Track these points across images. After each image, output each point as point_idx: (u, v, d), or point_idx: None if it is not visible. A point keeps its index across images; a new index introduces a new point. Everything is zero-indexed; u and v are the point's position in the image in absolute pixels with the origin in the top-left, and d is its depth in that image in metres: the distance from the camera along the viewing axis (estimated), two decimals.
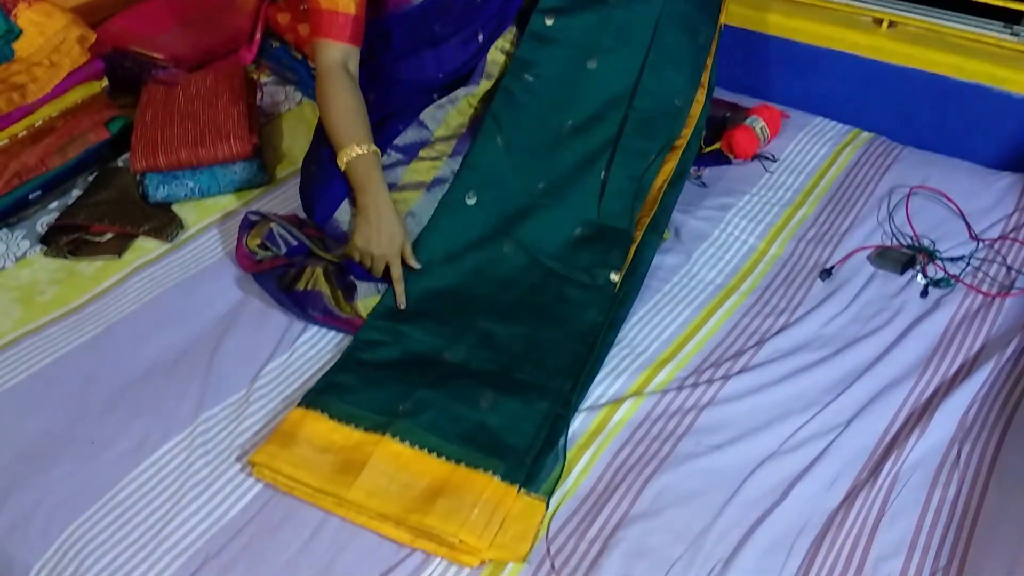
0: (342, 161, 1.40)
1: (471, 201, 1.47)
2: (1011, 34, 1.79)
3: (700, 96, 1.58)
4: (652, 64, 1.52)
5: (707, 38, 1.56)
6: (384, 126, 1.50)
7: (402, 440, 1.20)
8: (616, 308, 1.41)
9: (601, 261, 1.44)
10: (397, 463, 1.18)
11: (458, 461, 1.18)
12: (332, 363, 1.35)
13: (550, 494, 1.16)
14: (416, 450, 1.19)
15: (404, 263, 1.41)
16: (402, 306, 1.39)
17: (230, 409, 1.30)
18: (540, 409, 1.24)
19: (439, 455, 1.19)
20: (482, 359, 1.33)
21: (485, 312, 1.40)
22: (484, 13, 1.49)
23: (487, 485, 1.14)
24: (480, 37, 1.52)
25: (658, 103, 1.54)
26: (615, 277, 1.42)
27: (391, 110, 1.53)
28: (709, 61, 1.58)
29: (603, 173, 1.51)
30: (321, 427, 1.23)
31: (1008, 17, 1.80)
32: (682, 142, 1.56)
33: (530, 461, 1.18)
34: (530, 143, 1.52)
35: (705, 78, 1.58)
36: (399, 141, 1.50)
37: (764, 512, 1.13)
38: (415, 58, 1.51)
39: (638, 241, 1.47)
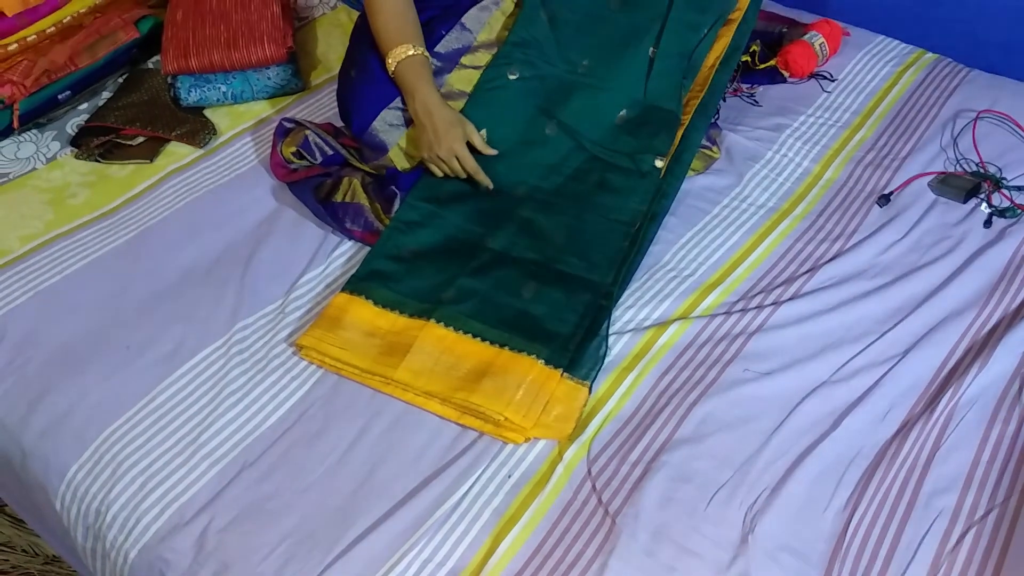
0: (390, 64, 1.36)
1: (513, 77, 1.42)
2: None
3: None
4: None
5: None
6: (427, 29, 1.43)
7: (446, 325, 1.21)
8: (659, 199, 1.37)
9: (646, 146, 1.40)
10: (442, 346, 1.19)
11: (502, 345, 1.19)
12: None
13: (593, 380, 1.16)
14: (460, 335, 1.20)
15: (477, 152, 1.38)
16: (490, 187, 1.37)
17: (266, 319, 1.28)
18: (582, 299, 1.24)
19: (483, 339, 1.20)
20: (523, 247, 1.32)
21: (527, 200, 1.37)
22: None
23: (531, 368, 1.15)
24: None
25: None
26: (660, 163, 1.38)
27: (434, 13, 1.46)
28: None
29: (651, 49, 1.45)
30: (366, 313, 1.24)
31: None
32: (737, 15, 1.48)
33: (573, 347, 1.18)
34: (575, 17, 1.46)
35: None
36: (440, 48, 1.43)
37: (814, 441, 1.10)
38: None
39: (686, 124, 1.42)
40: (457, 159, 1.35)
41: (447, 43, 1.44)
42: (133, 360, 1.21)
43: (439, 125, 1.33)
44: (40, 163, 1.53)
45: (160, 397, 1.17)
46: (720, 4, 1.46)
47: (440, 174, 1.37)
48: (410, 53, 1.35)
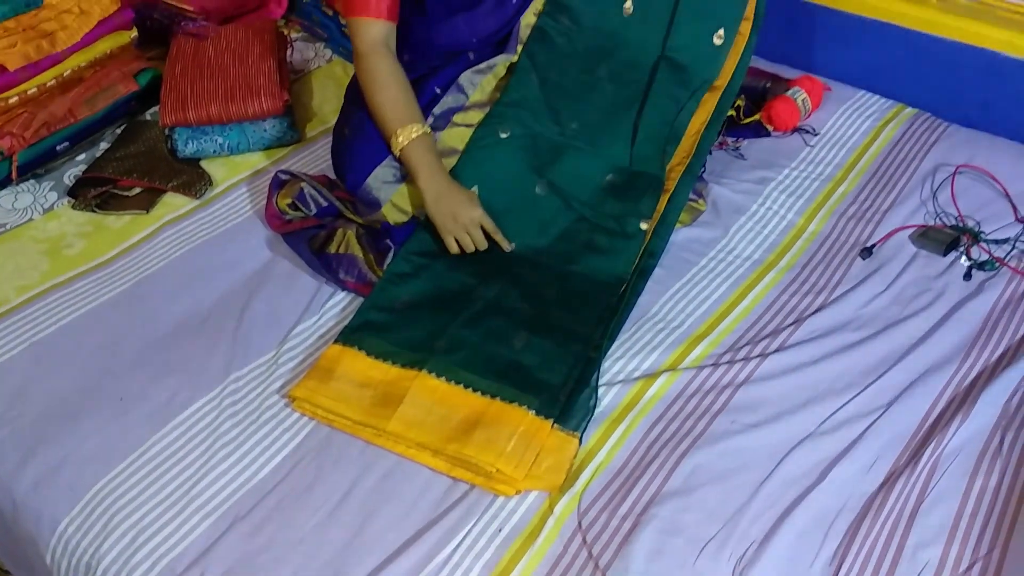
0: (396, 146, 1.38)
1: (504, 135, 1.46)
2: None
3: (745, 29, 1.51)
4: (686, 5, 1.48)
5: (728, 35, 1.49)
6: (419, 86, 1.47)
7: (438, 376, 1.22)
8: (646, 257, 1.40)
9: (632, 210, 1.43)
10: (434, 396, 1.20)
11: (493, 395, 1.20)
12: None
13: (583, 431, 1.18)
14: (452, 385, 1.22)
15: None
16: (509, 248, 1.39)
17: (259, 370, 1.29)
18: (572, 350, 1.26)
19: (475, 390, 1.21)
20: (514, 298, 1.34)
21: (517, 255, 1.39)
22: (508, 6, 1.46)
23: (522, 419, 1.17)
24: (513, 0, 1.48)
25: (694, 46, 1.49)
26: (644, 226, 1.42)
27: (425, 71, 1.50)
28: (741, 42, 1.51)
29: (635, 117, 1.49)
30: (359, 364, 1.25)
31: None
32: (722, 82, 1.52)
33: (563, 397, 1.20)
34: (564, 83, 1.50)
35: (750, 10, 1.50)
36: (437, 109, 1.47)
37: (801, 494, 1.11)
38: (448, 24, 1.47)
39: (672, 190, 1.46)
40: (480, 227, 1.37)
41: (443, 104, 1.47)
42: (126, 412, 1.22)
43: (456, 203, 1.36)
44: (37, 213, 1.55)
45: (152, 450, 1.17)
46: (702, 75, 1.50)
47: (456, 249, 1.37)
48: (418, 133, 1.37)
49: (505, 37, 1.52)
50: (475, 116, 1.49)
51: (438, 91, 1.47)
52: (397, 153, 1.39)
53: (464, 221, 1.36)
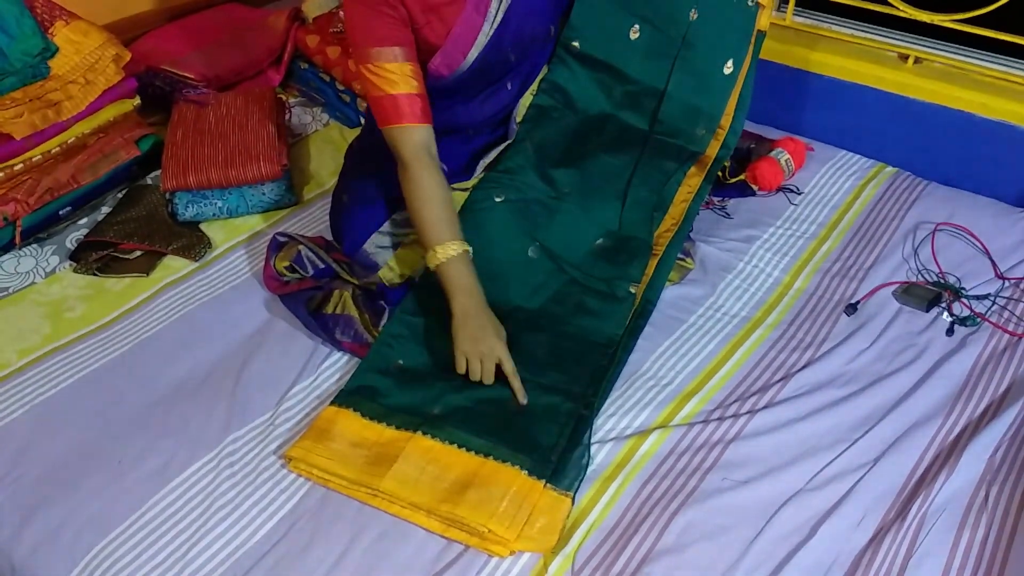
0: (433, 261, 1.34)
1: (499, 199, 1.50)
2: None
3: (730, 108, 1.55)
4: (672, 94, 1.55)
5: (736, 65, 1.54)
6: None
7: (433, 436, 1.25)
8: (635, 318, 1.44)
9: (621, 273, 1.47)
10: (428, 456, 1.22)
11: (486, 455, 1.22)
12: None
13: (575, 490, 1.19)
14: (446, 445, 1.24)
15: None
16: (524, 401, 1.30)
17: (256, 432, 1.30)
18: (564, 410, 1.29)
19: (468, 449, 1.23)
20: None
21: (509, 318, 1.42)
22: (517, 68, 1.52)
23: (515, 479, 1.18)
24: (509, 86, 1.54)
25: (679, 130, 1.56)
26: (633, 290, 1.45)
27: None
28: (741, 78, 1.55)
29: (625, 185, 1.55)
30: (354, 425, 1.28)
31: None
32: (710, 155, 1.57)
33: (555, 457, 1.22)
34: (558, 152, 1.55)
35: (733, 99, 1.55)
36: None
37: (791, 550, 1.12)
38: (447, 113, 1.50)
39: (660, 256, 1.50)
40: (495, 363, 1.31)
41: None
42: (125, 475, 1.23)
43: (486, 330, 1.30)
44: (39, 277, 1.58)
45: (150, 512, 1.18)
46: (687, 152, 1.56)
47: (463, 370, 1.31)
48: (457, 252, 1.33)
49: (505, 118, 1.58)
50: (472, 180, 1.54)
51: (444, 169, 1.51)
52: (432, 267, 1.35)
53: (483, 349, 1.30)
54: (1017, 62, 1.83)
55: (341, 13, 2.12)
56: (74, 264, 1.61)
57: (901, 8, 1.82)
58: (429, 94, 1.41)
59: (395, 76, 1.34)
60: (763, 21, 1.51)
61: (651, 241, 1.51)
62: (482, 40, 1.39)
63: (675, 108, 1.56)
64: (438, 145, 1.41)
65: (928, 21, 1.81)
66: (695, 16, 1.51)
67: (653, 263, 1.49)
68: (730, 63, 1.53)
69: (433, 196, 1.36)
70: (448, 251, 1.34)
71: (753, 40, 1.53)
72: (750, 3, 1.50)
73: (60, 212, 1.67)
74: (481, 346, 1.30)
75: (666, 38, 1.54)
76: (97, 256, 1.60)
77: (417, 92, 1.36)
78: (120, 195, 1.76)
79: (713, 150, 1.57)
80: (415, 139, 1.37)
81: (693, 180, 1.58)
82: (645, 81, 1.56)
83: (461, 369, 1.31)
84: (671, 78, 1.54)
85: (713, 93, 1.55)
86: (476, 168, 1.54)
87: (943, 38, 1.88)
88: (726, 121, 1.56)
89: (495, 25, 1.39)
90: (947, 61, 1.86)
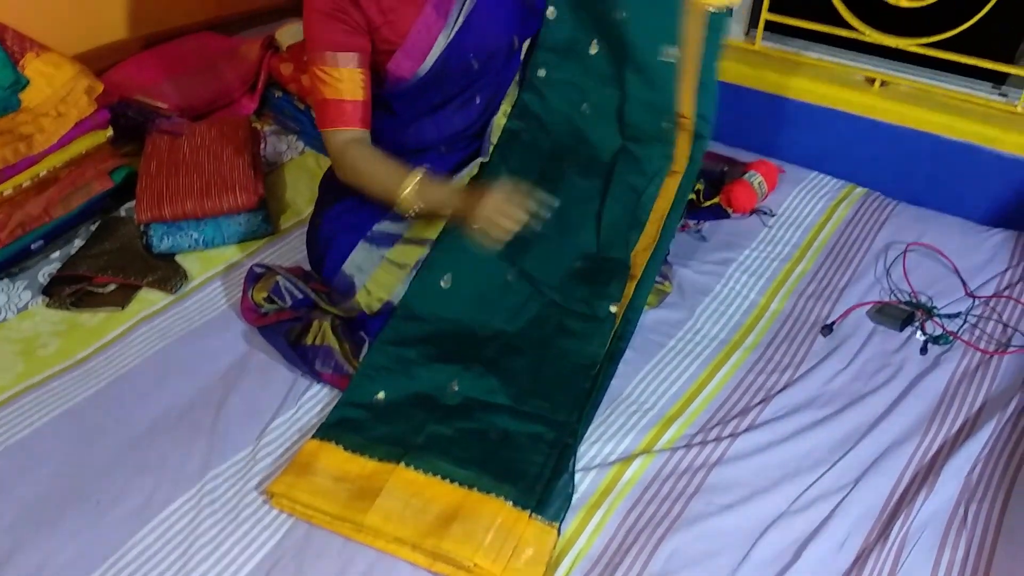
0: (408, 207, 1.36)
1: (475, 225, 1.49)
2: (999, 94, 1.85)
3: (688, 95, 1.53)
4: (629, 95, 1.56)
5: (677, 49, 1.50)
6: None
7: (416, 468, 1.24)
8: (616, 341, 1.44)
9: (601, 293, 1.48)
10: (411, 489, 1.21)
11: (470, 487, 1.22)
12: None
13: (561, 520, 1.19)
14: (429, 477, 1.23)
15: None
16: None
17: (237, 467, 1.29)
18: (547, 439, 1.29)
19: (452, 480, 1.23)
20: (489, 390, 1.36)
21: (491, 341, 1.42)
22: (482, 79, 1.52)
23: (499, 510, 1.18)
24: (478, 100, 1.55)
25: (645, 131, 1.57)
26: (614, 309, 1.46)
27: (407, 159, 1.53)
28: (690, 62, 1.51)
29: (599, 206, 1.56)
30: (336, 458, 1.27)
31: (995, 78, 1.86)
32: (680, 167, 1.57)
33: (540, 488, 1.22)
34: (533, 176, 1.56)
35: (687, 85, 1.52)
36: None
37: (776, 574, 1.13)
38: (415, 126, 1.52)
39: (639, 277, 1.51)
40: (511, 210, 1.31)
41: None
42: (103, 515, 1.21)
43: (484, 199, 1.30)
44: (11, 313, 1.55)
45: (130, 553, 1.16)
46: (656, 162, 1.57)
47: (508, 237, 1.32)
48: (413, 184, 1.35)
49: (477, 133, 1.58)
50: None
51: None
52: (412, 210, 1.36)
53: (491, 213, 1.29)
54: (978, 83, 1.88)
55: None
56: (47, 299, 1.58)
57: (867, 33, 1.86)
58: (395, 105, 1.44)
59: (343, 83, 1.36)
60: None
61: (628, 261, 1.52)
62: (442, 41, 1.41)
63: (635, 108, 1.57)
64: (413, 163, 1.42)
65: (893, 46, 1.85)
66: (624, 15, 1.50)
67: (632, 284, 1.50)
68: (668, 50, 1.50)
69: (368, 162, 1.39)
70: (411, 181, 1.34)
71: (699, 22, 1.47)
72: None
73: (32, 246, 1.65)
74: (501, 209, 1.28)
75: (613, 45, 1.55)
76: (71, 290, 1.58)
77: (362, 100, 1.39)
78: (93, 227, 1.74)
79: (685, 144, 1.56)
80: (348, 136, 1.40)
81: (667, 194, 1.57)
82: (607, 91, 1.58)
83: (506, 234, 1.30)
84: (625, 80, 1.55)
85: (656, 84, 1.54)
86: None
87: (908, 61, 1.93)
88: (688, 109, 1.54)
89: (456, 28, 1.41)
90: (913, 84, 1.91)
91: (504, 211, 1.30)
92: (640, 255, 1.54)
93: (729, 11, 1.47)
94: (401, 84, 1.43)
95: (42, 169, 1.65)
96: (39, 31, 1.81)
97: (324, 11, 1.35)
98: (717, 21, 1.47)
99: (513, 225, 1.30)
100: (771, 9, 1.95)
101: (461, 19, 1.41)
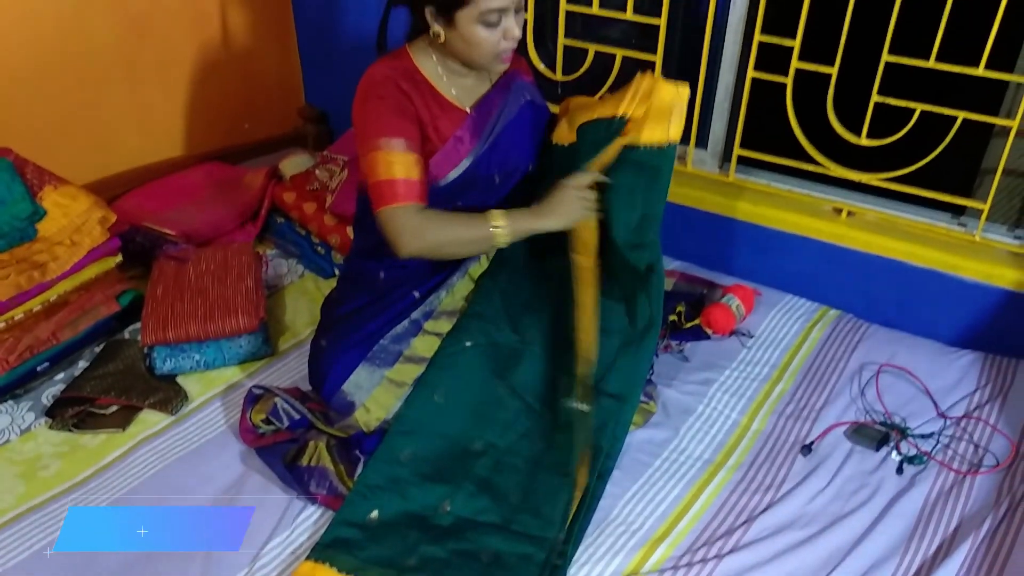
0: (502, 237, 1.48)
1: (468, 344, 1.57)
2: (958, 224, 1.97)
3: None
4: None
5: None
6: (399, 290, 1.58)
7: None
8: (604, 459, 1.48)
9: (579, 397, 1.50)
10: None
11: None
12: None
13: None
14: None
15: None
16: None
17: None
18: (537, 560, 1.31)
19: None
20: (480, 509, 1.40)
21: (483, 455, 1.45)
22: (500, 193, 1.63)
23: None
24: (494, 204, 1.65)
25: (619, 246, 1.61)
26: (574, 404, 1.47)
27: (407, 278, 1.60)
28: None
29: (572, 332, 1.58)
30: None
31: (955, 209, 1.99)
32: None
33: None
34: (521, 296, 1.63)
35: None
36: (416, 314, 1.58)
37: None
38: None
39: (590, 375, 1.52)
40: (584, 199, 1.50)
41: (420, 309, 1.58)
42: None
43: (554, 204, 1.50)
44: (14, 435, 1.59)
45: None
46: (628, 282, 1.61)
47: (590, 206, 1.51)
48: (501, 212, 1.48)
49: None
50: (445, 325, 1.60)
51: (416, 295, 1.59)
52: (505, 238, 1.48)
53: (576, 200, 1.49)
54: (939, 214, 2.00)
55: (316, 172, 2.25)
56: (50, 420, 1.63)
57: (831, 168, 2.00)
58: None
59: (397, 164, 1.42)
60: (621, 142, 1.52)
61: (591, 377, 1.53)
62: (473, 155, 1.52)
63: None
64: (418, 283, 1.51)
65: (857, 180, 1.99)
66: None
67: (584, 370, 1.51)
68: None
69: (445, 217, 1.47)
70: (499, 217, 1.47)
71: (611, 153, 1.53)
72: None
73: (38, 368, 1.70)
74: (574, 204, 1.49)
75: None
76: (73, 412, 1.63)
77: (417, 179, 1.44)
78: (98, 349, 1.80)
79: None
80: (414, 208, 1.43)
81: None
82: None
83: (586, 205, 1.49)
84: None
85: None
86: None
87: (873, 193, 2.06)
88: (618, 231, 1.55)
89: (485, 145, 1.53)
90: (878, 214, 2.03)
91: (578, 196, 1.49)
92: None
93: (671, 145, 1.50)
94: (439, 180, 1.52)
95: (53, 294, 1.73)
96: (57, 160, 1.94)
97: (386, 100, 1.44)
98: (654, 157, 1.51)
99: (589, 204, 1.50)
100: (743, 145, 2.10)
101: (491, 139, 1.54)
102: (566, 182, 1.50)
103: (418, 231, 1.43)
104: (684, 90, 1.48)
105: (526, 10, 1.51)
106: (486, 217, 1.47)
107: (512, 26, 1.43)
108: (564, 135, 1.62)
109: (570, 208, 1.50)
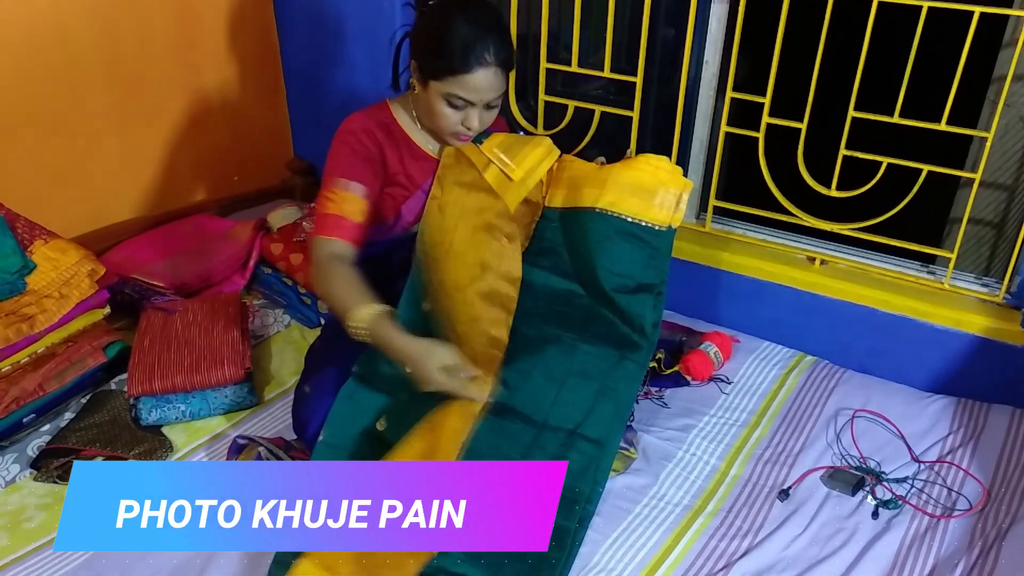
0: (355, 325, 1.41)
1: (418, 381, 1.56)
2: (927, 272, 2.03)
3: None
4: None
5: None
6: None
7: None
8: (584, 504, 1.48)
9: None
10: None
11: None
12: None
13: None
14: None
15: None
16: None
17: None
18: None
19: None
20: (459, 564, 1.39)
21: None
22: None
23: None
24: None
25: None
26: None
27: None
28: None
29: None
30: None
31: (925, 258, 2.05)
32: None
33: None
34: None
35: None
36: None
37: None
38: (408, 276, 1.64)
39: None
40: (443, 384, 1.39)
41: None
42: None
43: (430, 358, 1.37)
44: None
45: None
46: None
47: (448, 387, 1.39)
48: (378, 310, 1.41)
49: None
50: None
51: None
52: (361, 336, 1.41)
53: (433, 380, 1.37)
54: (909, 263, 2.06)
55: (304, 223, 2.30)
56: (35, 472, 1.63)
57: (804, 218, 2.06)
58: (395, 257, 1.59)
59: (346, 204, 1.49)
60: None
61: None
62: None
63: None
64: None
65: (828, 230, 2.05)
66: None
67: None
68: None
69: (340, 277, 1.44)
70: (368, 311, 1.39)
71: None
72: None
73: (24, 420, 1.71)
74: (431, 381, 1.37)
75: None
76: (58, 464, 1.63)
77: (359, 223, 1.50)
78: (84, 400, 1.82)
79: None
80: (336, 248, 1.47)
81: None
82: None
83: (448, 386, 1.38)
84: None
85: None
86: None
87: (845, 243, 2.12)
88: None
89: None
90: (849, 263, 2.09)
91: (445, 381, 1.38)
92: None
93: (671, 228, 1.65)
94: (405, 231, 1.58)
95: (40, 346, 1.75)
96: (48, 213, 1.97)
97: (355, 147, 1.52)
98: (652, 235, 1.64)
99: (451, 390, 1.38)
100: (718, 196, 2.16)
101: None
102: (438, 362, 1.38)
103: (316, 270, 1.48)
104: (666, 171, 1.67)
105: (498, 108, 1.55)
106: (358, 305, 1.41)
107: (472, 118, 1.52)
108: (558, 200, 1.69)
109: (427, 380, 1.38)
